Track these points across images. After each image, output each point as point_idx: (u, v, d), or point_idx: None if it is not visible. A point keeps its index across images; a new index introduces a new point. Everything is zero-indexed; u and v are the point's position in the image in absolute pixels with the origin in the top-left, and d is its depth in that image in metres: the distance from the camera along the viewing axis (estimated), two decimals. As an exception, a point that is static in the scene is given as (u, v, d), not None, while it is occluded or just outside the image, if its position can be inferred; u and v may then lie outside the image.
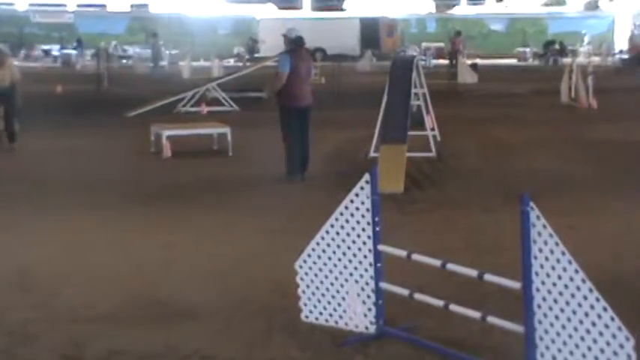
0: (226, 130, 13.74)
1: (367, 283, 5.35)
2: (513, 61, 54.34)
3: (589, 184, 10.86)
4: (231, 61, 49.79)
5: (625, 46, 50.44)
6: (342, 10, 69.39)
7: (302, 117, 11.35)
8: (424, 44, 55.81)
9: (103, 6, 67.87)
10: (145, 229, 8.51)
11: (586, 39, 58.14)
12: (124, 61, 50.29)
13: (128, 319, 5.82)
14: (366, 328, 5.39)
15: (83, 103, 23.16)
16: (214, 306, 6.02)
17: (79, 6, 63.87)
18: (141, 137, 14.51)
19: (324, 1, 69.15)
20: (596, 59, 42.11)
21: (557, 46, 51.02)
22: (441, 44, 56.14)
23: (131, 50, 52.44)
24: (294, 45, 11.43)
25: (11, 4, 60.14)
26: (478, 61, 45.53)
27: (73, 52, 49.28)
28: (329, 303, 5.51)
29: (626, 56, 44.51)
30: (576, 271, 4.22)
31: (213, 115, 18.50)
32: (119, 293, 6.35)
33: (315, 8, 67.97)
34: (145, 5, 68.22)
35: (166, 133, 13.47)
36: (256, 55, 53.92)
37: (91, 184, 11.13)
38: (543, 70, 42.52)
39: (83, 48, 49.01)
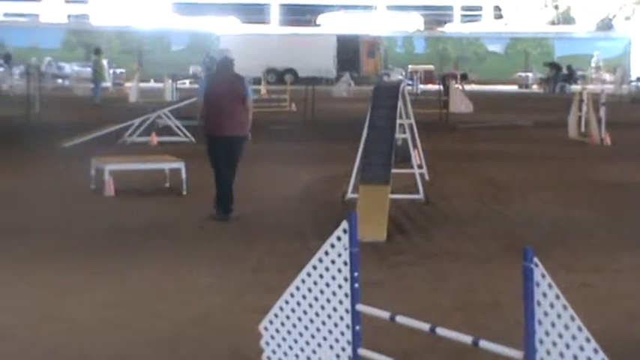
0: (180, 164, 13.73)
1: (343, 349, 5.34)
2: (514, 88, 54.92)
3: (601, 233, 10.93)
4: (187, 83, 49.85)
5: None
6: (316, 25, 69.90)
7: (226, 149, 11.60)
8: (411, 67, 56.24)
9: (35, 15, 67.84)
10: (80, 284, 8.43)
11: (593, 62, 58.81)
12: (60, 80, 50.17)
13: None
14: (342, 402, 5.37)
15: (10, 131, 23.09)
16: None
17: (5, 15, 63.71)
18: (79, 172, 14.46)
19: (296, 14, 69.64)
20: (609, 87, 42.59)
21: (565, 71, 51.57)
22: (431, 66, 56.69)
23: (68, 68, 52.34)
24: (219, 67, 11.94)
25: None
26: (474, 87, 46.23)
27: (-1, 69, 49.20)
28: (298, 372, 5.49)
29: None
30: (587, 340, 4.23)
31: (165, 147, 18.51)
32: None
33: (285, 23, 68.48)
34: (85, 16, 68.39)
35: (109, 167, 13.44)
36: (216, 76, 53.98)
37: (16, 229, 11.02)
38: (548, 99, 42.95)
39: (12, 65, 48.90)
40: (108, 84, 42.84)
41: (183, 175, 13.51)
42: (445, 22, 75.08)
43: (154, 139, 20.33)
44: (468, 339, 4.77)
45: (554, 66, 51.95)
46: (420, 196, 12.89)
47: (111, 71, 47.97)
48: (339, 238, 5.26)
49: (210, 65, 55.94)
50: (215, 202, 11.69)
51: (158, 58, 57.31)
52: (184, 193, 13.39)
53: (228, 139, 11.56)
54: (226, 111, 11.50)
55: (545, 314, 4.34)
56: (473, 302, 7.82)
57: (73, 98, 38.93)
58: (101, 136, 19.83)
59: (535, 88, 54.54)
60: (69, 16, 68.57)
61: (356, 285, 5.26)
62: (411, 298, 7.85)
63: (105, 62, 39.58)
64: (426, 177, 14.46)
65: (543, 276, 4.32)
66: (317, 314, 5.39)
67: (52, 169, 16.29)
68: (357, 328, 5.30)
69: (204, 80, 12.00)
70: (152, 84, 44.63)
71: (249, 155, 18.42)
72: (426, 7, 75.19)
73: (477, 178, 15.65)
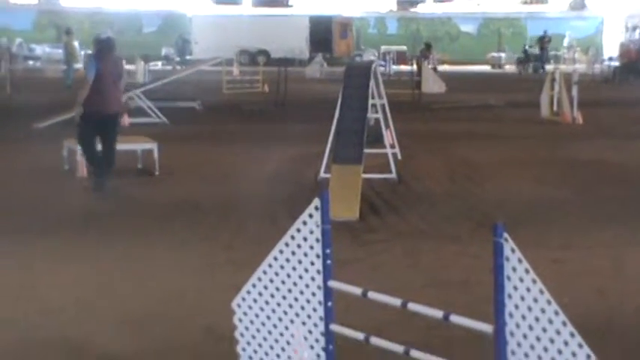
0: (152, 145, 13.71)
1: (316, 325, 5.38)
2: (486, 68, 55.02)
3: (571, 211, 11.03)
4: (159, 64, 49.70)
5: (615, 52, 51.27)
6: (288, 6, 69.73)
7: (106, 125, 12.25)
8: (383, 47, 56.28)
9: (6, -4, 67.19)
10: (53, 264, 8.44)
11: (566, 41, 58.91)
12: (31, 62, 49.88)
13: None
14: (315, 378, 5.42)
15: (-19, 113, 22.94)
16: (137, 354, 6.01)
17: (-26, -4, 63.19)
18: (51, 153, 14.41)
19: (268, -5, 69.33)
20: (581, 66, 42.79)
21: (536, 51, 51.55)
22: (403, 47, 56.73)
23: (39, 50, 52.03)
24: (101, 47, 12.50)
25: None
26: (446, 67, 46.32)
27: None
28: (271, 348, 5.53)
29: (616, 64, 45.27)
30: (556, 313, 4.28)
31: (138, 128, 18.43)
32: (21, 339, 6.29)
33: (258, 4, 68.20)
34: (56, -3, 67.74)
35: (81, 148, 13.39)
36: (188, 57, 53.93)
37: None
38: (521, 79, 43.09)
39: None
40: (80, 65, 42.50)
41: (156, 155, 13.50)
42: (418, 3, 74.95)
43: (127, 120, 20.26)
44: (439, 314, 4.81)
45: (543, 39, 51.03)
46: (393, 175, 12.94)
47: (82, 53, 47.70)
48: (310, 216, 5.29)
49: (183, 46, 55.93)
50: (94, 176, 12.37)
51: (129, 40, 57.00)
52: (157, 173, 13.38)
53: (113, 115, 12.34)
54: (115, 89, 12.33)
55: (515, 288, 4.39)
56: (444, 279, 7.88)
57: (44, 80, 38.72)
58: (73, 117, 19.70)
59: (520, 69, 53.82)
60: (39, -3, 68.03)
61: (328, 262, 5.29)
62: (383, 275, 7.90)
63: (76, 43, 39.33)
64: (399, 157, 14.51)
65: (513, 250, 4.37)
66: (289, 291, 5.43)
67: (24, 150, 16.23)
68: (329, 304, 5.33)
69: (92, 60, 12.41)
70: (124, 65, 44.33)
71: (221, 136, 18.52)
72: (398, -12, 75.02)
73: (450, 157, 15.71)
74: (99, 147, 12.44)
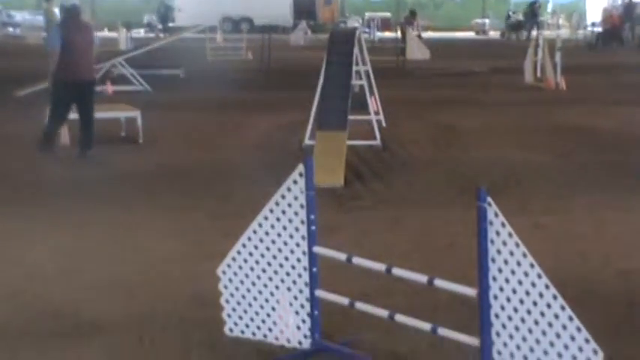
0: (136, 113, 13.68)
1: (301, 291, 5.42)
2: (471, 35, 55.01)
3: (555, 177, 11.08)
4: (142, 32, 49.46)
5: (598, 18, 51.22)
6: (271, -28, 69.27)
7: (81, 92, 12.19)
8: (368, 14, 56.13)
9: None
10: (36, 231, 8.43)
11: (549, 6, 58.84)
12: (11, 29, 49.57)
13: (17, 334, 5.79)
14: (300, 342, 5.46)
15: (-37, 81, 22.81)
16: (122, 320, 6.03)
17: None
18: (33, 121, 14.35)
19: (251, -39, 68.84)
20: (564, 32, 42.77)
21: (520, 17, 51.47)
22: (388, 14, 56.63)
23: (19, 16, 51.70)
24: (67, 14, 12.40)
25: None
26: (431, 34, 46.29)
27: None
28: (256, 314, 5.57)
29: (599, 29, 45.26)
30: (539, 276, 4.34)
31: (121, 96, 18.39)
32: (4, 306, 6.31)
33: (241, -30, 67.70)
34: (37, -37, 67.24)
35: (64, 116, 13.34)
36: (171, 24, 53.66)
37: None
38: (504, 45, 43.08)
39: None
40: (61, 33, 42.33)
41: (139, 123, 13.48)
42: (402, -31, 74.67)
43: (110, 88, 20.19)
44: (423, 278, 4.86)
45: (534, 4, 50.67)
46: (377, 142, 12.96)
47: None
48: (295, 182, 5.32)
49: (166, 13, 55.64)
50: (45, 138, 12.42)
51: (111, 7, 56.67)
52: (140, 141, 13.36)
53: (87, 82, 12.24)
54: (86, 57, 12.19)
55: (499, 252, 4.44)
56: (429, 244, 7.92)
57: (25, 47, 38.47)
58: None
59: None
60: (19, -36, 67.47)
61: (313, 228, 5.33)
62: (368, 241, 7.94)
63: (56, 10, 39.09)
64: (383, 123, 14.53)
65: (496, 215, 4.41)
66: (274, 257, 5.46)
67: (5, 118, 16.17)
68: (314, 269, 5.38)
69: (56, 30, 12.37)
70: (106, 33, 44.14)
71: (205, 103, 18.48)
72: (382, -46, 74.70)
73: (434, 124, 15.73)
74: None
